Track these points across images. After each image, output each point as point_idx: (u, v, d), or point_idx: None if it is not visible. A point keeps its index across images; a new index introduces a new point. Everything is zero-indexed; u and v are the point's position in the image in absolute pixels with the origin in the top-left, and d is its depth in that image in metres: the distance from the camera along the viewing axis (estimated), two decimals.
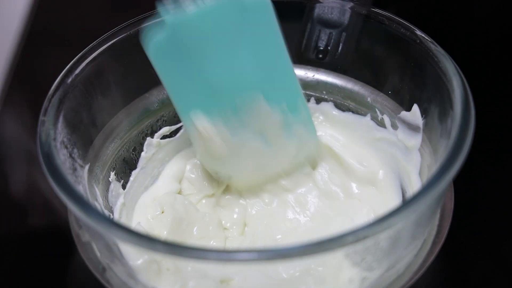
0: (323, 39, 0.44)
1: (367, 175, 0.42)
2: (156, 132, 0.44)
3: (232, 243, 0.42)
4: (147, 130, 0.44)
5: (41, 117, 0.35)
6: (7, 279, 0.44)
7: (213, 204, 0.43)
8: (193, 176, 0.44)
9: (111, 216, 0.40)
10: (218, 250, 0.33)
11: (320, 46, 0.44)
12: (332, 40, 0.43)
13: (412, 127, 0.40)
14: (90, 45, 0.39)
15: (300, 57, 0.44)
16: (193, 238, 0.41)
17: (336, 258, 0.35)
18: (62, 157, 0.34)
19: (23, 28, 0.63)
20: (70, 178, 0.33)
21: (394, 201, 0.41)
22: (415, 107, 0.39)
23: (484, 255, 0.43)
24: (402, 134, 0.40)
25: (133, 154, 0.43)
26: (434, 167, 0.36)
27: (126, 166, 0.43)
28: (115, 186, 0.41)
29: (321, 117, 0.45)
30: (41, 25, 0.64)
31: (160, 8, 0.35)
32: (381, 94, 0.42)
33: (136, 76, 0.41)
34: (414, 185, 0.39)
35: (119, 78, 0.41)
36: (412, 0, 0.59)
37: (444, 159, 0.31)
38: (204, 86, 0.38)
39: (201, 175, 0.44)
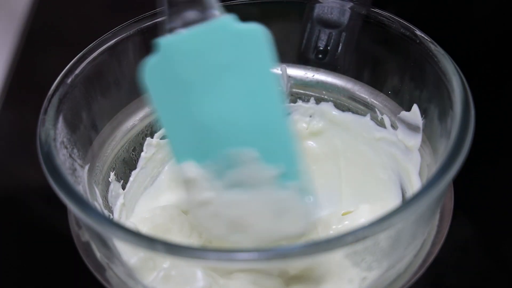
0: (323, 39, 0.44)
1: (367, 175, 0.42)
2: (156, 132, 0.44)
3: None
4: (147, 130, 0.44)
5: (41, 117, 0.35)
6: (7, 279, 0.44)
7: None
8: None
9: (111, 216, 0.40)
10: (218, 250, 0.33)
11: (320, 46, 0.44)
12: (332, 40, 0.43)
13: (412, 127, 0.40)
14: (90, 45, 0.39)
15: (300, 57, 0.44)
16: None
17: (336, 258, 0.35)
18: (62, 157, 0.34)
19: (23, 28, 0.63)
20: (70, 178, 0.33)
21: (394, 201, 0.41)
22: (415, 107, 0.39)
23: (484, 254, 0.43)
24: (402, 134, 0.40)
25: (133, 154, 0.43)
26: (434, 167, 0.36)
27: (126, 166, 0.43)
28: (115, 186, 0.41)
29: (321, 117, 0.45)
30: (41, 25, 0.64)
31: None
32: (381, 94, 0.42)
33: (136, 76, 0.41)
34: (414, 185, 0.39)
35: (119, 78, 0.41)
36: (412, 0, 0.59)
37: (444, 159, 0.31)
38: (195, 126, 0.35)
39: None
